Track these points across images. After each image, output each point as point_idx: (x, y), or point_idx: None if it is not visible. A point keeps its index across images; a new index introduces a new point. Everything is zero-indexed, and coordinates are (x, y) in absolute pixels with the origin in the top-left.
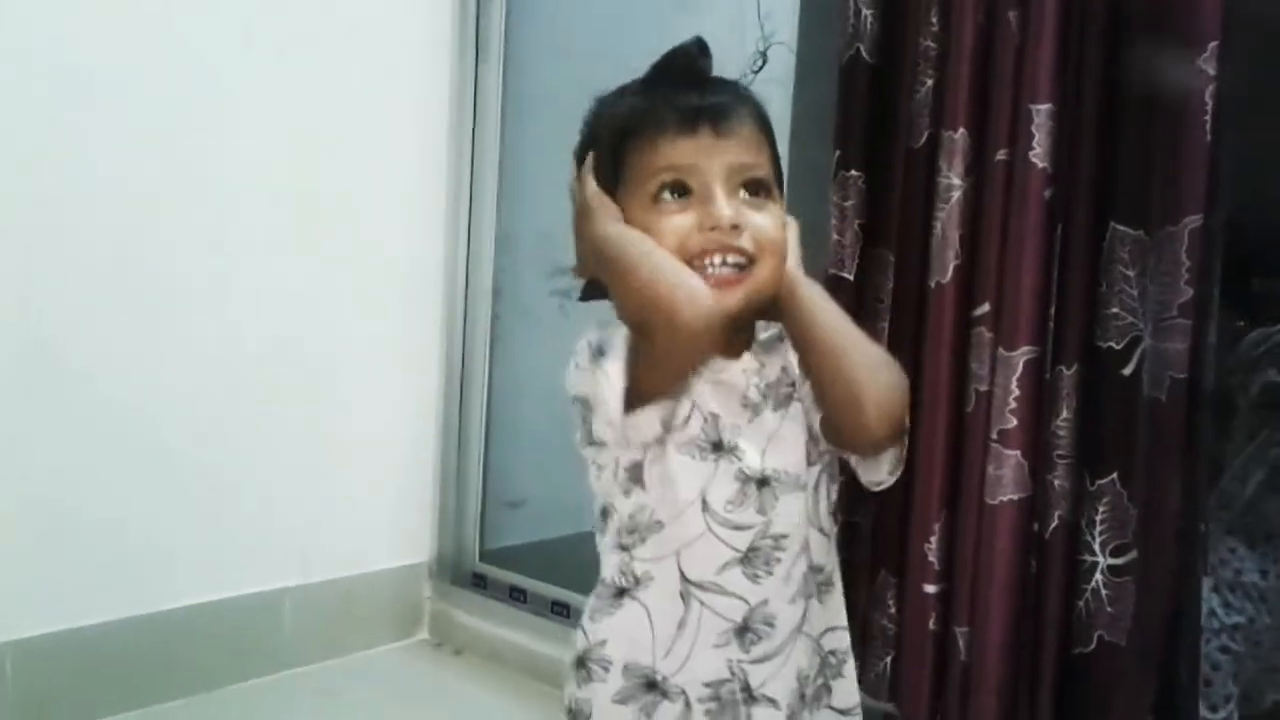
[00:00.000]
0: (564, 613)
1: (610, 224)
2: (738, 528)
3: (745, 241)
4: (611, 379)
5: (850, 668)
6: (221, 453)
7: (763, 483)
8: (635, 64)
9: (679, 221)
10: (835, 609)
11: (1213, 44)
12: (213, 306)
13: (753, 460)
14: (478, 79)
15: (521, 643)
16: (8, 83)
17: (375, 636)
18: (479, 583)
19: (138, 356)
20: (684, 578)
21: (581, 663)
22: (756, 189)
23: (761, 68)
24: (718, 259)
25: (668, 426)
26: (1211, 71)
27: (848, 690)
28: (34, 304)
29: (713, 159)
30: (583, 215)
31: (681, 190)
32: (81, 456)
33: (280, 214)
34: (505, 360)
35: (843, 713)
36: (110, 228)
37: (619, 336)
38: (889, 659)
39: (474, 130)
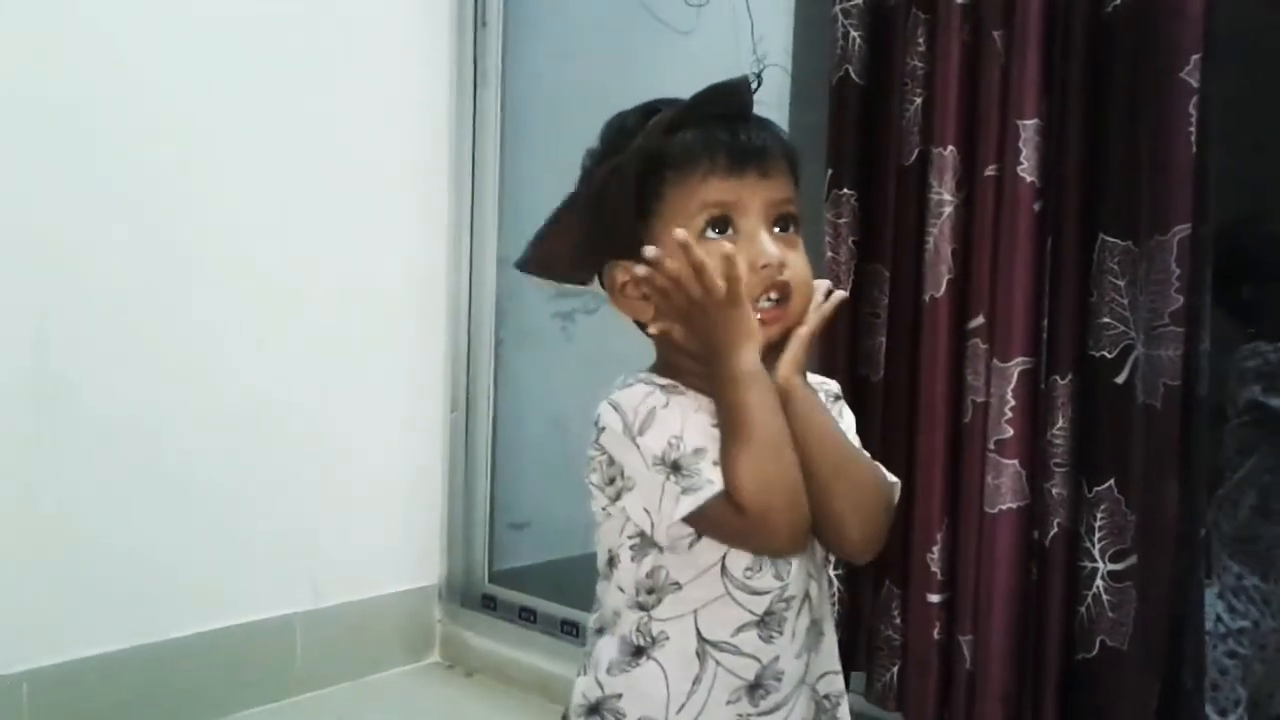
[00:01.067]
0: (574, 632)
1: (757, 370)
2: (756, 593)
3: (787, 276)
4: (680, 509)
5: (844, 709)
6: (231, 480)
7: None
8: (632, 91)
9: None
10: (829, 654)
11: (1195, 56)
12: (220, 334)
13: None
14: (476, 103)
15: (533, 663)
16: (15, 122)
17: (387, 660)
18: (489, 604)
19: (147, 387)
20: (700, 637)
21: (596, 709)
22: (787, 225)
23: (757, 89)
24: (761, 295)
25: (700, 534)
26: (1195, 83)
27: None
28: (48, 339)
29: (755, 197)
30: (732, 338)
31: (723, 226)
32: (93, 486)
33: (283, 240)
34: (509, 382)
35: None
36: (119, 261)
37: (701, 463)
38: (895, 669)
39: (474, 154)
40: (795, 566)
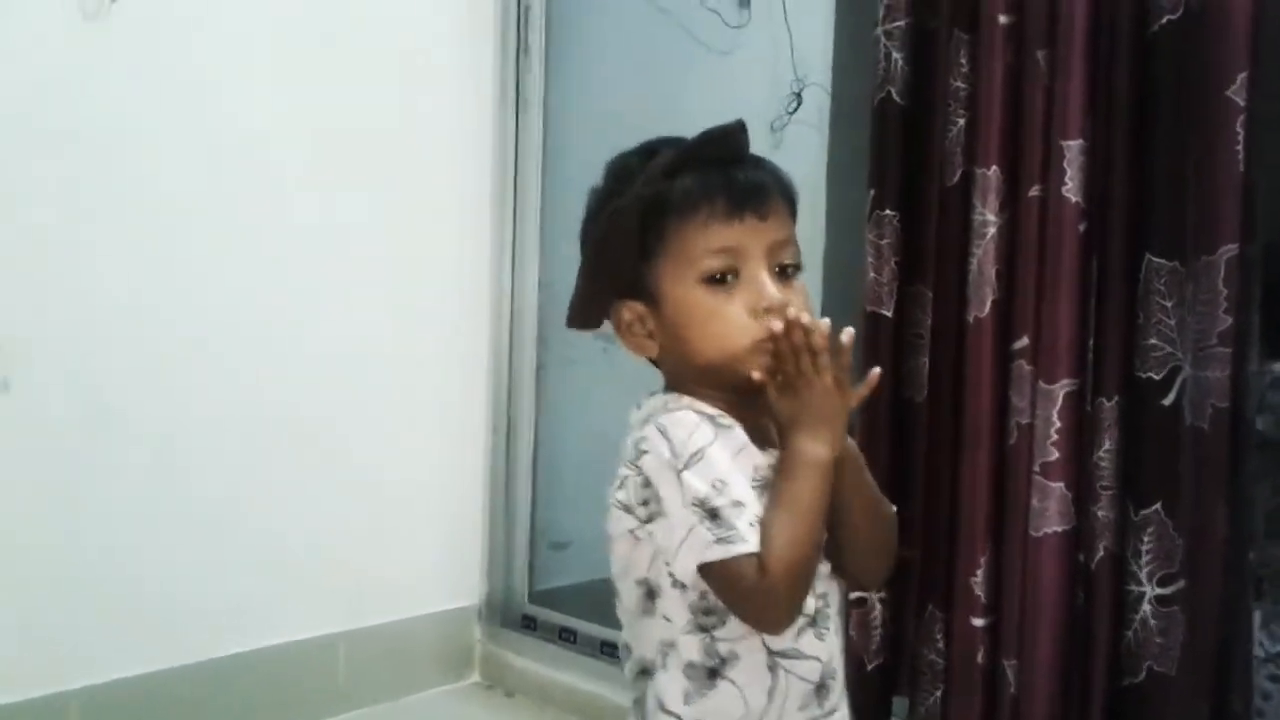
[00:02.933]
0: (614, 653)
1: (830, 459)
2: None
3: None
4: (708, 556)
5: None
6: (274, 501)
7: None
8: (672, 113)
9: (735, 308)
10: (842, 655)
11: (1242, 75)
12: (264, 358)
13: None
14: (519, 128)
15: (573, 684)
16: (42, 146)
17: (427, 680)
18: (529, 624)
19: (190, 413)
20: (769, 650)
21: None
22: (787, 269)
23: (796, 109)
24: (765, 339)
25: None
26: (1241, 102)
27: None
28: (92, 365)
29: (756, 241)
30: (819, 421)
31: (726, 273)
32: (137, 508)
33: (327, 266)
34: (550, 404)
35: None
36: (164, 288)
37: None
38: (939, 693)
39: (516, 178)
40: (820, 568)
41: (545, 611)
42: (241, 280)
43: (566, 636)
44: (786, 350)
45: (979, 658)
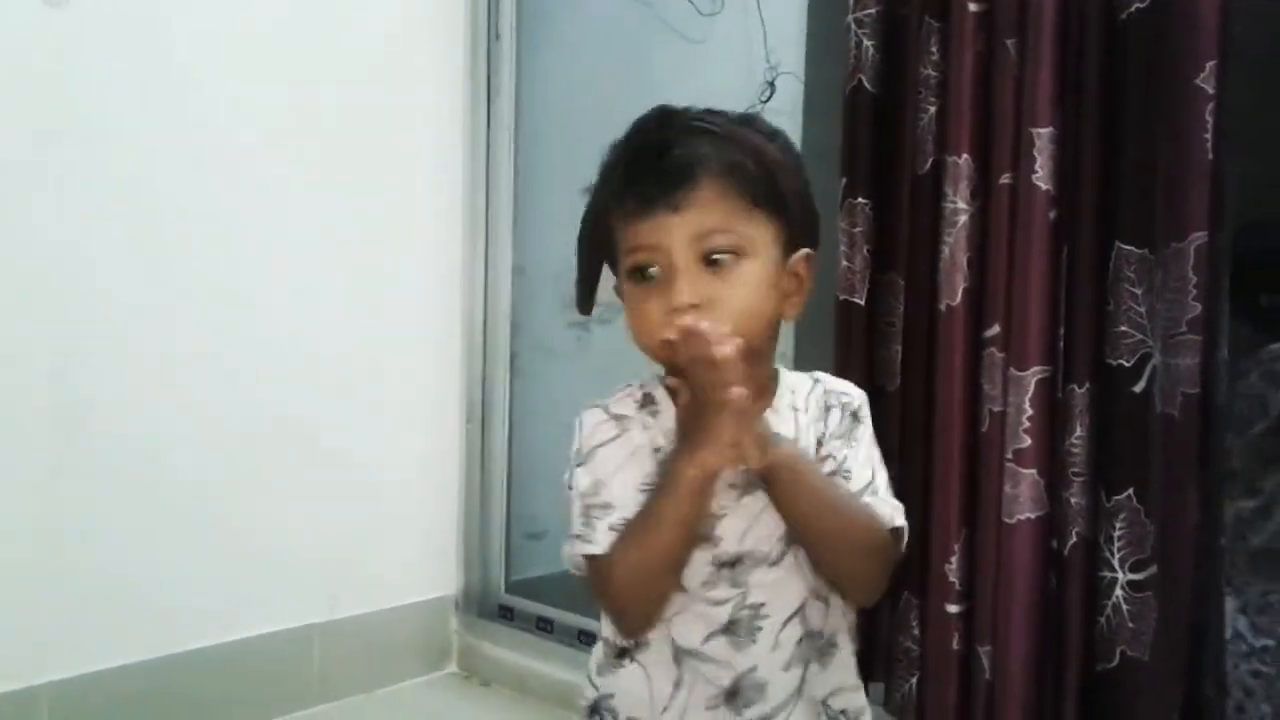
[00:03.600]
0: (591, 642)
1: (700, 481)
2: (716, 603)
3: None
4: (570, 549)
5: None
6: (249, 492)
7: (736, 562)
8: (645, 101)
9: (653, 305)
10: (842, 670)
11: (1210, 63)
12: (236, 349)
13: (730, 545)
14: (490, 115)
15: (550, 673)
16: (33, 151)
17: (404, 670)
18: (506, 614)
19: (163, 402)
20: (674, 644)
21: (595, 709)
22: (723, 253)
23: (769, 97)
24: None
25: None
26: (1210, 90)
27: None
28: (69, 359)
29: (674, 234)
30: (704, 439)
31: (646, 269)
32: (112, 501)
33: (298, 256)
34: (524, 392)
35: None
36: (135, 281)
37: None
38: (914, 680)
39: (488, 166)
40: (754, 576)
41: (522, 601)
42: (212, 273)
43: (544, 626)
44: (685, 360)
45: (954, 644)
